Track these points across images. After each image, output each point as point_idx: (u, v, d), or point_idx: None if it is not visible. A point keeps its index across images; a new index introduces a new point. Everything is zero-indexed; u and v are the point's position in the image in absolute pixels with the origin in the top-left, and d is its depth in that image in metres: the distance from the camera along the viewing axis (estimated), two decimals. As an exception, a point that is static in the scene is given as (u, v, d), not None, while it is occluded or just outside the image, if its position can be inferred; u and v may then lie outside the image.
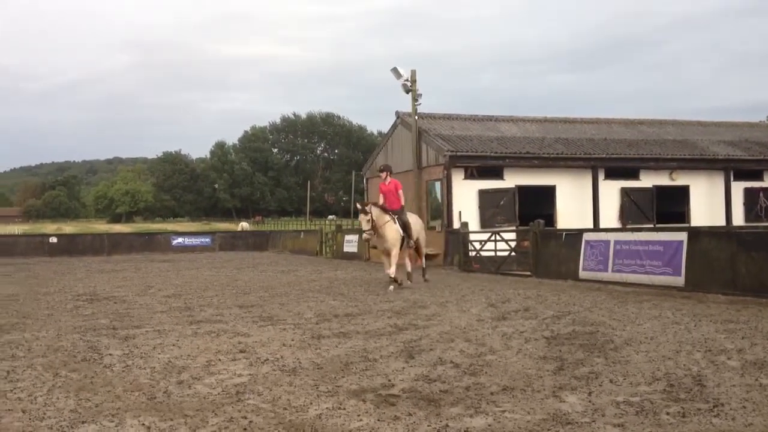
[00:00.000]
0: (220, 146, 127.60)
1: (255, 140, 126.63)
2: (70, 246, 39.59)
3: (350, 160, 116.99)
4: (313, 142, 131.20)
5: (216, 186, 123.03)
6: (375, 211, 14.91)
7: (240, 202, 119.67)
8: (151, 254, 37.84)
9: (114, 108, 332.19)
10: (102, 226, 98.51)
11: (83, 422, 5.15)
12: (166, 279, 19.65)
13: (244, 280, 18.92)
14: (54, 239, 41.19)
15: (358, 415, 5.25)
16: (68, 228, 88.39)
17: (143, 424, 5.08)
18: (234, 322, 10.23)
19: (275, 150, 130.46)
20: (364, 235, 15.27)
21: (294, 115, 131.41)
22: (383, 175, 15.80)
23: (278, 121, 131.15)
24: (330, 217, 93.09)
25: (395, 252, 14.98)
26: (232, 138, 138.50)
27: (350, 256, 29.57)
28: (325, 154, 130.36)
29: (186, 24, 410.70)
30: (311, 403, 5.59)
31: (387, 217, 15.03)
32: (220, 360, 7.38)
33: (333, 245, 32.65)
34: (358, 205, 15.40)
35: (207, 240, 44.27)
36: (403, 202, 15.56)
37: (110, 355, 7.77)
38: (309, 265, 25.73)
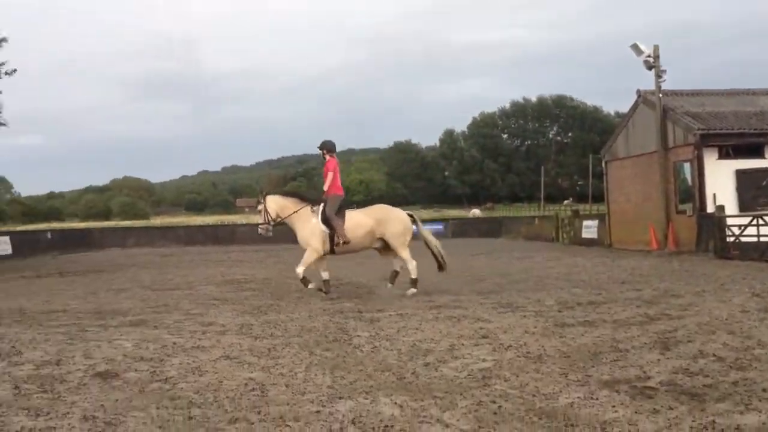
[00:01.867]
0: (449, 134, 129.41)
1: (484, 126, 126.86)
2: (315, 233, 42.18)
3: (585, 142, 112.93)
4: (544, 126, 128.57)
5: (446, 173, 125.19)
6: (275, 201, 12.43)
7: (470, 188, 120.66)
8: (388, 241, 39.23)
9: (348, 101, 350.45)
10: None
11: (340, 398, 5.36)
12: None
13: (478, 266, 18.95)
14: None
15: (613, 406, 4.97)
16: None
17: (395, 403, 5.18)
18: (473, 308, 10.20)
19: (505, 135, 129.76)
20: (258, 230, 12.80)
21: (524, 99, 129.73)
22: (322, 153, 12.81)
23: (507, 106, 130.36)
24: (566, 201, 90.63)
25: (308, 252, 12.20)
26: (460, 125, 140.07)
27: (589, 242, 28.60)
28: (558, 138, 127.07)
29: (415, 13, 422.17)
30: (561, 392, 5.39)
31: (299, 207, 12.36)
32: (463, 345, 7.37)
33: (570, 231, 31.75)
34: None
35: (440, 227, 45.13)
36: (326, 187, 12.31)
37: (358, 336, 8.07)
38: (545, 252, 25.24)
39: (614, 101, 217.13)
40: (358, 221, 12.21)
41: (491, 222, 47.44)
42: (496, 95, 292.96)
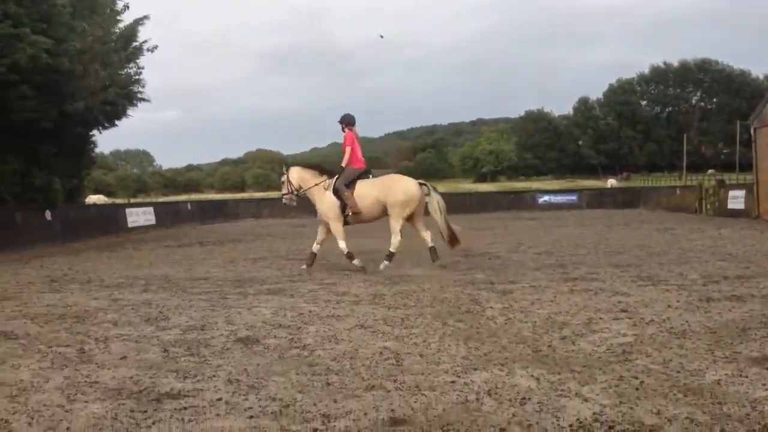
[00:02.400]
0: (583, 102, 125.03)
1: (621, 93, 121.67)
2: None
3: (731, 108, 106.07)
4: (687, 92, 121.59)
5: (580, 142, 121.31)
6: (297, 173, 12.58)
7: (606, 158, 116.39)
8: (517, 212, 38.63)
9: (475, 71, 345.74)
10: (468, 186, 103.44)
11: (475, 369, 5.34)
12: (535, 236, 19.82)
13: (616, 238, 18.28)
14: (428, 198, 44.29)
15: (763, 384, 4.73)
16: (439, 188, 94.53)
17: (532, 375, 5.11)
18: (611, 281, 9.88)
19: (644, 102, 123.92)
20: (283, 200, 12.94)
21: (664, 63, 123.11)
22: (342, 127, 12.69)
23: (646, 71, 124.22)
24: (710, 171, 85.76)
25: (333, 226, 12.26)
26: (595, 93, 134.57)
27: (735, 213, 26.96)
28: (702, 104, 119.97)
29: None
30: (707, 368, 5.15)
31: (319, 180, 12.44)
32: (600, 318, 7.16)
33: (715, 201, 30.02)
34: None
35: (573, 198, 43.86)
36: (345, 162, 12.31)
37: (491, 308, 8.00)
38: (687, 223, 24.01)
39: (764, 64, 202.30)
40: (364, 192, 12.12)
41: (629, 192, 45.44)
42: (634, 60, 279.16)
